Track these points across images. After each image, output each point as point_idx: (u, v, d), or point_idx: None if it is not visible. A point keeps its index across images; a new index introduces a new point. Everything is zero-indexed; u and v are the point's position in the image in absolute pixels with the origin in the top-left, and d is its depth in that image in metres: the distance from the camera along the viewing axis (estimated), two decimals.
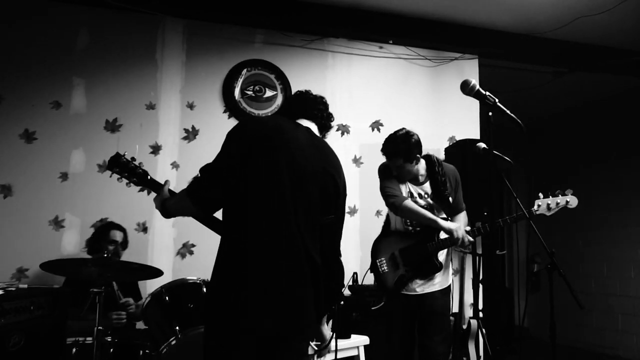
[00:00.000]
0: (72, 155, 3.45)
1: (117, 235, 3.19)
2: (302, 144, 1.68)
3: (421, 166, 2.88)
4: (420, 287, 2.82)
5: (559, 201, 2.58)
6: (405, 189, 2.88)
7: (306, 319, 1.59)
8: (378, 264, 2.93)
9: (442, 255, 2.88)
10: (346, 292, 3.65)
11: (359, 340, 3.03)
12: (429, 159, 2.91)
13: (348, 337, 2.98)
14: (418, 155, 2.81)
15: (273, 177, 1.59)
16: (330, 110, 1.89)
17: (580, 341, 5.93)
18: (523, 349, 5.71)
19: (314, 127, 1.81)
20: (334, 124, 1.94)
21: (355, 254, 3.96)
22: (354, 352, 3.01)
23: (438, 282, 2.85)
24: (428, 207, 2.86)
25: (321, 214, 1.66)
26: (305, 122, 1.80)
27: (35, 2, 3.47)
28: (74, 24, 3.55)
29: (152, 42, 3.72)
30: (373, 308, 3.42)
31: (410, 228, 2.89)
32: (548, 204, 2.59)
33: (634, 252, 5.46)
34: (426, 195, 2.88)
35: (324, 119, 1.86)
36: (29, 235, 3.28)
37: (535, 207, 2.60)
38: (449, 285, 2.92)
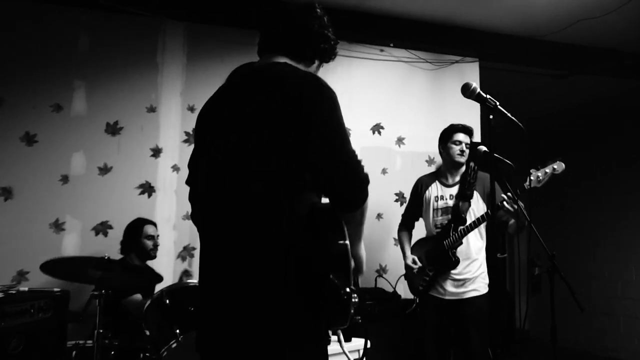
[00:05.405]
0: (73, 158, 3.45)
1: (152, 230, 3.22)
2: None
3: (460, 170, 3.13)
4: (455, 293, 2.97)
5: (547, 170, 2.65)
6: (435, 187, 3.16)
7: None
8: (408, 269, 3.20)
9: (467, 255, 2.98)
10: None
11: (360, 344, 3.02)
12: (467, 165, 3.07)
13: (349, 340, 2.97)
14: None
15: None
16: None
17: (581, 344, 5.92)
18: (524, 351, 5.70)
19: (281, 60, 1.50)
20: None
21: None
22: (354, 356, 3.00)
23: (473, 289, 2.97)
24: (444, 210, 3.08)
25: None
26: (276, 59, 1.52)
27: (36, 5, 3.47)
28: (75, 27, 3.55)
29: (153, 45, 3.72)
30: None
31: (438, 230, 3.09)
32: (538, 176, 2.65)
33: (636, 254, 5.45)
34: (449, 197, 3.08)
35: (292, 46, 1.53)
36: (29, 238, 3.27)
37: (527, 182, 2.64)
38: (487, 292, 2.99)
